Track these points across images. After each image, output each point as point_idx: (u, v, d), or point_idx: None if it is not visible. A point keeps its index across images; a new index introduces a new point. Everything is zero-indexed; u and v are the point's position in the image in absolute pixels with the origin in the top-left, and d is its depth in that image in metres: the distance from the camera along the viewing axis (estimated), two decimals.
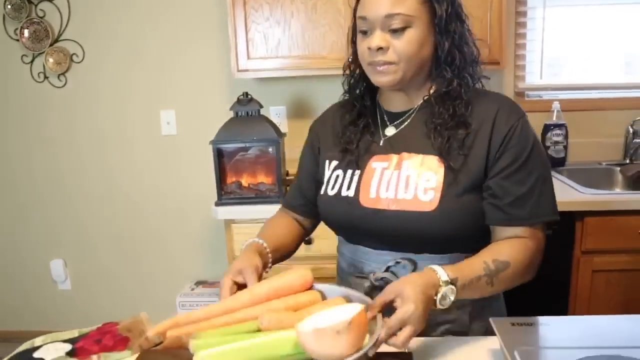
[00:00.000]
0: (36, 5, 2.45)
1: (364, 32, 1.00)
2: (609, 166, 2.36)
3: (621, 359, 0.75)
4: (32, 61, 2.53)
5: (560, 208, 1.83)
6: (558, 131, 2.34)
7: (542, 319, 0.88)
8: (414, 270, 1.00)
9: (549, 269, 1.89)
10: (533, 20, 2.37)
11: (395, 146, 1.05)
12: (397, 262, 1.01)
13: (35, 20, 2.45)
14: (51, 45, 2.49)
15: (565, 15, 2.39)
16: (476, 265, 0.93)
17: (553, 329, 0.86)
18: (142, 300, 2.71)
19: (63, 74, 2.53)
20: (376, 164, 1.04)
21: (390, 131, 1.08)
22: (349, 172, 1.07)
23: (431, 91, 1.04)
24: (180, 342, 0.95)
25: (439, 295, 0.86)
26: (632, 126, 2.37)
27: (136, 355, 0.90)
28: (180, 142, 2.57)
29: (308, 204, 1.19)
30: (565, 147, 2.35)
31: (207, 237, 2.66)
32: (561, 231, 1.90)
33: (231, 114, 2.12)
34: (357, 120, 1.10)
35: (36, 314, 2.83)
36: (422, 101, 1.06)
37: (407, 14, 0.95)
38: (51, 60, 2.50)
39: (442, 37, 0.99)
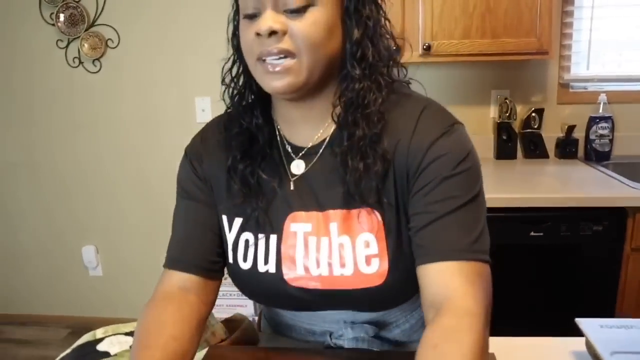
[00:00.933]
0: None
1: (250, 16, 0.73)
2: None
3: None
4: (67, 46, 2.51)
5: (609, 203, 1.82)
6: (604, 124, 2.27)
7: (632, 321, 0.84)
8: (382, 327, 0.89)
9: (597, 265, 1.87)
10: (580, 9, 2.29)
11: (309, 194, 0.80)
12: (360, 335, 0.87)
13: (71, 4, 2.43)
14: (86, 30, 2.47)
15: (615, 3, 2.30)
16: None
17: None
18: None
19: (98, 59, 2.52)
20: (296, 227, 0.80)
21: (297, 168, 0.82)
22: (261, 237, 0.82)
23: (339, 100, 0.77)
24: (247, 336, 0.92)
25: None
26: None
27: (204, 350, 0.87)
28: None
29: (211, 257, 0.86)
30: (611, 141, 2.28)
31: None
32: (610, 227, 1.84)
33: None
34: (251, 150, 0.82)
35: (67, 299, 2.85)
36: (334, 127, 0.80)
37: None
38: (86, 45, 2.48)
39: (351, 22, 0.74)
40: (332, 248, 0.78)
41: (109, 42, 2.50)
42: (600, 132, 2.27)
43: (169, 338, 0.75)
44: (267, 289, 0.82)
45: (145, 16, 2.46)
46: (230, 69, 0.83)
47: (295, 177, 0.82)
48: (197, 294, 0.83)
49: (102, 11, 2.46)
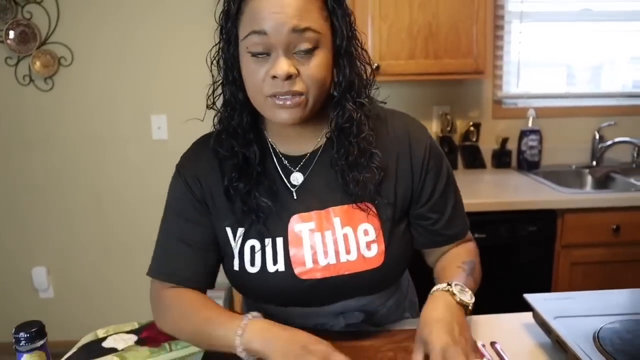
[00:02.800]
0: (23, 7, 2.42)
1: (258, 54, 0.79)
2: (578, 169, 2.56)
3: None
4: (17, 64, 2.49)
5: (541, 206, 2.04)
6: (533, 136, 2.52)
7: (569, 294, 1.01)
8: (370, 317, 1.00)
9: (532, 262, 2.08)
10: (509, 33, 2.55)
11: (311, 199, 0.90)
12: (353, 322, 0.99)
13: (22, 22, 2.42)
14: (38, 47, 2.46)
15: (540, 29, 2.59)
16: (455, 272, 0.93)
17: (580, 301, 0.98)
18: (129, 308, 2.69)
19: (50, 77, 2.51)
20: (300, 227, 0.89)
21: (297, 179, 0.92)
22: (268, 241, 0.89)
23: (332, 125, 0.88)
24: None
25: (461, 299, 0.85)
26: (598, 132, 2.59)
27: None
28: (172, 147, 2.58)
29: (204, 276, 0.94)
30: (540, 152, 2.54)
31: None
32: (543, 227, 2.06)
33: None
34: (247, 169, 0.89)
35: (16, 323, 2.75)
36: (325, 139, 0.92)
37: (316, 29, 0.79)
38: (38, 63, 2.47)
39: (343, 62, 0.85)
40: (337, 238, 0.89)
41: (62, 60, 2.50)
42: (530, 143, 2.53)
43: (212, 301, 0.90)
44: (278, 288, 0.90)
45: (100, 34, 2.48)
46: (220, 93, 0.90)
47: (296, 188, 0.91)
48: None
49: (54, 29, 2.46)
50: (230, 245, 0.92)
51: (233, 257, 0.92)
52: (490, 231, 2.00)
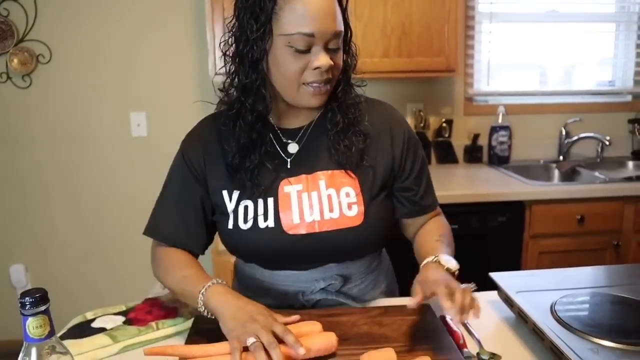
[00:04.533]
0: (0, 4, 2.42)
1: (301, 50, 0.91)
2: (546, 163, 2.67)
3: (599, 294, 0.98)
4: None
5: (510, 198, 2.13)
6: (503, 132, 2.62)
7: (530, 272, 1.09)
8: (344, 284, 1.08)
9: (502, 251, 2.17)
10: (480, 33, 2.65)
11: (302, 165, 1.03)
12: (330, 284, 1.06)
13: None
14: (16, 45, 2.47)
15: (509, 29, 2.70)
16: (435, 245, 1.04)
17: (539, 278, 1.07)
18: (108, 305, 2.71)
19: (28, 74, 2.51)
20: (289, 188, 1.01)
21: (293, 148, 1.04)
22: (260, 201, 1.01)
23: (333, 103, 1.02)
24: None
25: (449, 267, 0.95)
26: (564, 128, 2.70)
27: (191, 319, 1.00)
28: (151, 144, 2.62)
29: (196, 240, 1.07)
30: (510, 147, 2.64)
31: None
32: (512, 218, 2.16)
33: (203, 116, 2.19)
34: (250, 142, 0.99)
35: None
36: (318, 115, 1.05)
37: (342, 31, 0.96)
38: (15, 60, 2.47)
39: (348, 56, 1.02)
40: (321, 198, 1.01)
41: (40, 58, 2.50)
42: (501, 139, 2.63)
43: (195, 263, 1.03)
44: (268, 243, 1.00)
45: (78, 31, 2.50)
46: (240, 79, 0.96)
47: (291, 157, 1.04)
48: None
49: (32, 27, 2.47)
50: (226, 206, 1.03)
51: (227, 217, 1.03)
52: (462, 222, 2.09)
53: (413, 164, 1.09)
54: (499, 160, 2.63)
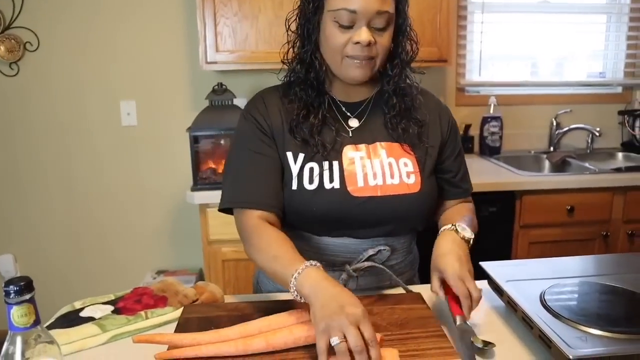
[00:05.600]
0: None
1: (345, 26, 0.99)
2: (537, 154, 2.68)
3: (588, 284, 0.99)
4: None
5: (501, 188, 2.14)
6: (494, 123, 2.63)
7: (520, 261, 1.10)
8: (392, 254, 1.12)
9: (492, 241, 2.18)
10: (472, 23, 2.65)
11: (363, 137, 1.10)
12: (379, 251, 1.09)
13: None
14: (2, 32, 2.43)
15: (501, 19, 2.69)
16: (457, 218, 1.11)
17: (529, 267, 1.07)
18: (99, 295, 2.70)
19: (15, 62, 2.47)
20: (353, 154, 1.07)
21: (354, 123, 1.11)
22: (326, 164, 1.06)
23: (390, 83, 1.09)
24: (216, 298, 1.06)
25: (464, 235, 1.03)
26: (555, 119, 2.71)
27: (180, 309, 1.00)
28: (141, 133, 2.60)
29: (279, 201, 1.07)
30: (501, 137, 2.64)
31: (166, 227, 2.70)
32: (503, 208, 2.17)
33: (194, 105, 2.22)
34: (312, 112, 1.07)
35: None
36: (375, 92, 1.13)
37: (390, 12, 1.00)
38: (2, 47, 2.43)
39: (403, 38, 1.07)
40: (383, 165, 1.08)
41: (28, 45, 2.47)
42: (492, 130, 2.63)
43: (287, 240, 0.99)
44: (333, 204, 1.04)
45: (67, 19, 2.46)
46: (298, 51, 1.07)
47: (352, 129, 1.10)
48: (274, 225, 1.04)
49: (19, 14, 2.43)
50: (290, 168, 1.07)
51: (291, 179, 1.06)
52: None
53: (454, 147, 1.18)
54: (490, 150, 2.63)
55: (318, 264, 0.89)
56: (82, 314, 0.99)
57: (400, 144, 1.10)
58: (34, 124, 2.55)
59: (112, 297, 1.06)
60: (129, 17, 2.49)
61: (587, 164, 2.42)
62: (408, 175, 1.08)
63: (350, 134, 1.10)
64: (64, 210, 2.65)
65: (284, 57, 1.10)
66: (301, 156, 1.06)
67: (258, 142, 1.08)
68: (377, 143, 1.09)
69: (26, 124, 2.55)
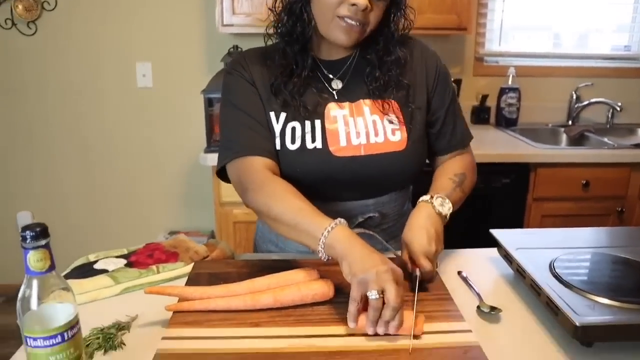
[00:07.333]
0: None
1: None
2: (554, 127, 2.64)
3: (599, 254, 0.99)
4: None
5: (515, 160, 2.12)
6: (512, 94, 2.58)
7: (531, 230, 1.09)
8: (382, 219, 1.11)
9: (505, 213, 2.17)
10: None
11: (346, 95, 1.07)
12: (369, 217, 1.09)
13: None
14: None
15: None
16: (445, 183, 1.08)
17: (540, 236, 1.07)
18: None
19: (33, 21, 2.48)
20: (335, 112, 1.04)
21: (337, 84, 1.08)
22: (308, 123, 1.03)
23: (379, 45, 1.05)
24: (226, 255, 1.08)
25: (440, 210, 1.00)
26: (575, 92, 2.66)
27: (191, 265, 1.02)
28: (157, 95, 2.60)
29: (275, 150, 1.05)
30: (518, 109, 2.60)
31: (179, 189, 2.73)
32: (516, 180, 2.15)
33: (209, 68, 2.23)
34: (295, 72, 1.04)
35: (1, 267, 2.81)
36: (358, 50, 1.08)
37: None
38: (20, 6, 2.43)
39: (396, 11, 1.03)
40: (367, 123, 1.04)
41: (45, 5, 2.46)
42: (509, 101, 2.59)
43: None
44: (315, 165, 1.02)
45: None
46: (288, 9, 1.01)
47: (336, 91, 1.07)
48: (276, 173, 1.01)
49: None
50: (273, 127, 1.05)
51: (274, 138, 1.04)
52: None
53: (443, 97, 1.12)
54: (506, 122, 2.59)
55: (344, 222, 0.86)
56: (96, 266, 1.01)
57: (385, 101, 1.06)
58: (50, 83, 2.56)
59: (125, 252, 1.08)
60: None
61: (605, 139, 2.37)
62: (393, 132, 1.05)
63: (335, 96, 1.06)
64: (79, 170, 2.69)
65: (272, 4, 1.04)
66: (283, 115, 1.04)
67: (247, 93, 1.05)
68: (361, 100, 1.06)
69: (43, 84, 2.56)
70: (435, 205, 1.00)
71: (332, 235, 0.83)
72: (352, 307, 0.77)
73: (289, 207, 0.91)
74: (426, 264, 0.91)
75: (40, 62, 2.53)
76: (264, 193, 0.95)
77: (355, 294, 0.77)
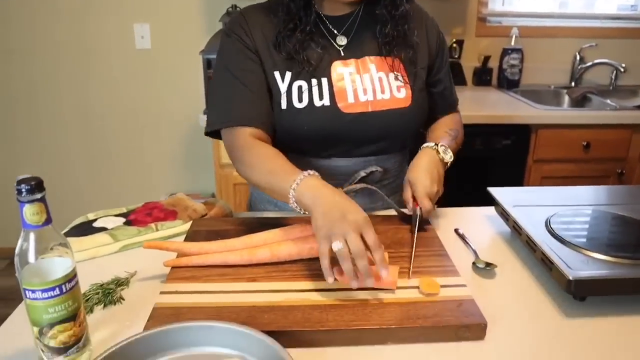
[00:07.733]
0: None
1: None
2: (557, 89, 2.61)
3: (596, 212, 0.99)
4: None
5: (516, 121, 2.10)
6: (515, 55, 2.54)
7: (528, 188, 1.09)
8: (384, 175, 1.13)
9: (504, 174, 2.17)
10: None
11: (351, 52, 1.07)
12: (372, 172, 1.10)
13: None
14: None
15: None
16: (443, 135, 1.14)
17: (537, 194, 1.07)
18: None
19: None
20: (341, 69, 1.05)
21: (342, 40, 1.07)
22: (314, 81, 1.03)
23: (382, 8, 1.06)
24: (225, 213, 1.08)
25: (443, 157, 1.06)
26: (579, 53, 2.61)
27: (189, 223, 1.02)
28: (155, 57, 2.57)
29: (269, 118, 1.04)
30: (520, 71, 2.57)
31: (179, 151, 2.73)
32: (517, 142, 2.14)
33: (207, 28, 2.19)
34: (298, 28, 1.03)
35: (4, 230, 2.83)
36: (363, 4, 1.08)
37: None
38: None
39: None
40: (373, 80, 1.06)
41: None
42: (512, 62, 2.55)
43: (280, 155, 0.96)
44: (324, 122, 1.03)
45: None
46: None
47: (341, 46, 1.07)
48: (266, 141, 1.02)
49: None
50: (278, 87, 1.04)
51: (280, 97, 1.04)
52: (466, 143, 2.02)
53: (442, 61, 1.17)
54: (508, 83, 2.56)
55: (316, 173, 0.87)
56: (95, 224, 1.01)
57: (390, 57, 1.08)
58: (48, 44, 2.53)
59: (124, 210, 1.09)
60: None
61: (608, 101, 2.35)
62: (399, 89, 1.07)
63: (341, 52, 1.06)
64: (79, 132, 2.68)
65: None
66: (288, 74, 1.03)
67: (243, 59, 1.04)
68: (367, 57, 1.07)
69: (41, 45, 2.52)
70: (440, 152, 1.06)
71: (300, 187, 0.84)
72: (325, 261, 0.76)
73: (262, 172, 0.94)
74: (427, 204, 0.98)
75: (38, 23, 2.49)
76: (244, 164, 0.98)
77: (322, 248, 0.77)
